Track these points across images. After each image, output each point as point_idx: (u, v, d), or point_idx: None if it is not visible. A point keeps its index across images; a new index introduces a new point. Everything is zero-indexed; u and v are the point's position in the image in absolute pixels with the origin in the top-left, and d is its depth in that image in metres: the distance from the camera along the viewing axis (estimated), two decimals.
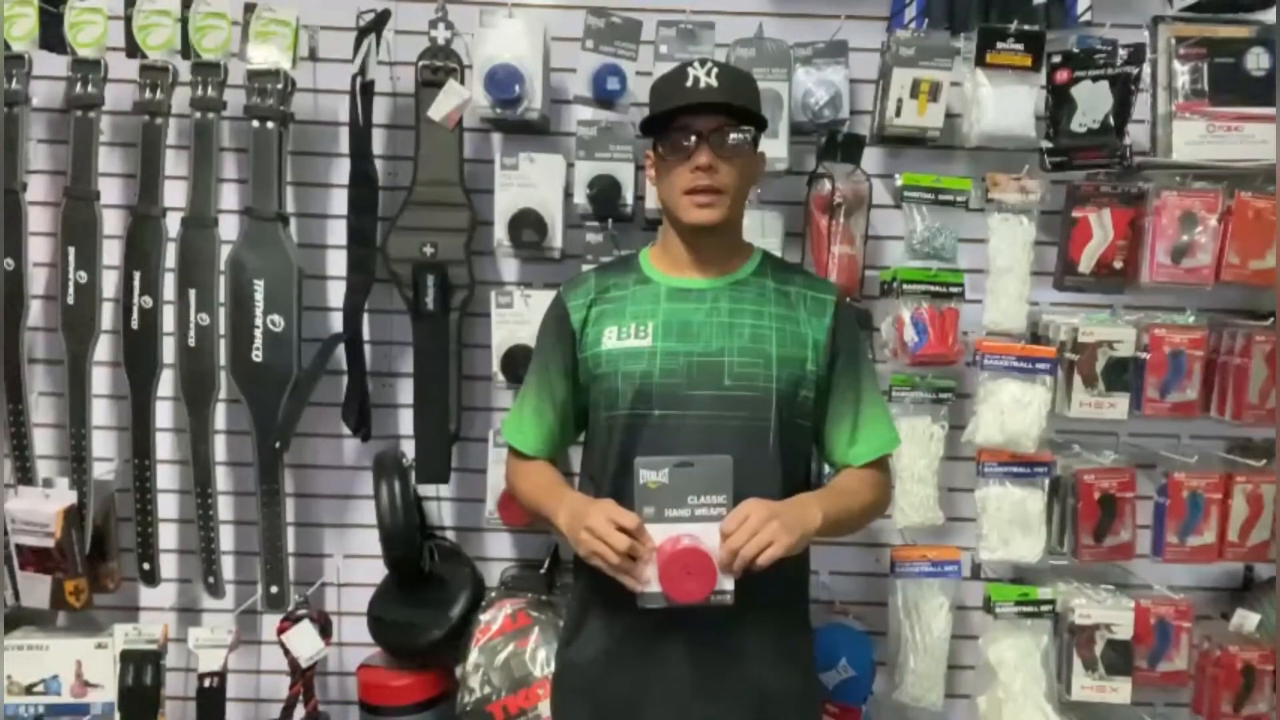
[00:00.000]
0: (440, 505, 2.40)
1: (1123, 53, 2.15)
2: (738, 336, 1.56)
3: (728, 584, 1.43)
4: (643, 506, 1.43)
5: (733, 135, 1.52)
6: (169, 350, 2.19)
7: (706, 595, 1.42)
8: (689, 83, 1.51)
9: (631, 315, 1.59)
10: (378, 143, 2.27)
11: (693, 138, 1.51)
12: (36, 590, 2.20)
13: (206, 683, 2.19)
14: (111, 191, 2.24)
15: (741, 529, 1.41)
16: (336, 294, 2.30)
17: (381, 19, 2.18)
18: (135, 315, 2.16)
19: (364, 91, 2.18)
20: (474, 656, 2.10)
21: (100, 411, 2.30)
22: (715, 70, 1.52)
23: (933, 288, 2.16)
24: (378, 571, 2.27)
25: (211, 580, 2.25)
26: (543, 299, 2.15)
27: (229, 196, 2.27)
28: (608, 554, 1.41)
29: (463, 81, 2.16)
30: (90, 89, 2.12)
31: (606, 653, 1.59)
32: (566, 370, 1.64)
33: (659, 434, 1.52)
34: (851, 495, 1.60)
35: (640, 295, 1.61)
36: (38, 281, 2.26)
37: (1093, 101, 2.16)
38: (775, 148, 2.12)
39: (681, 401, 1.53)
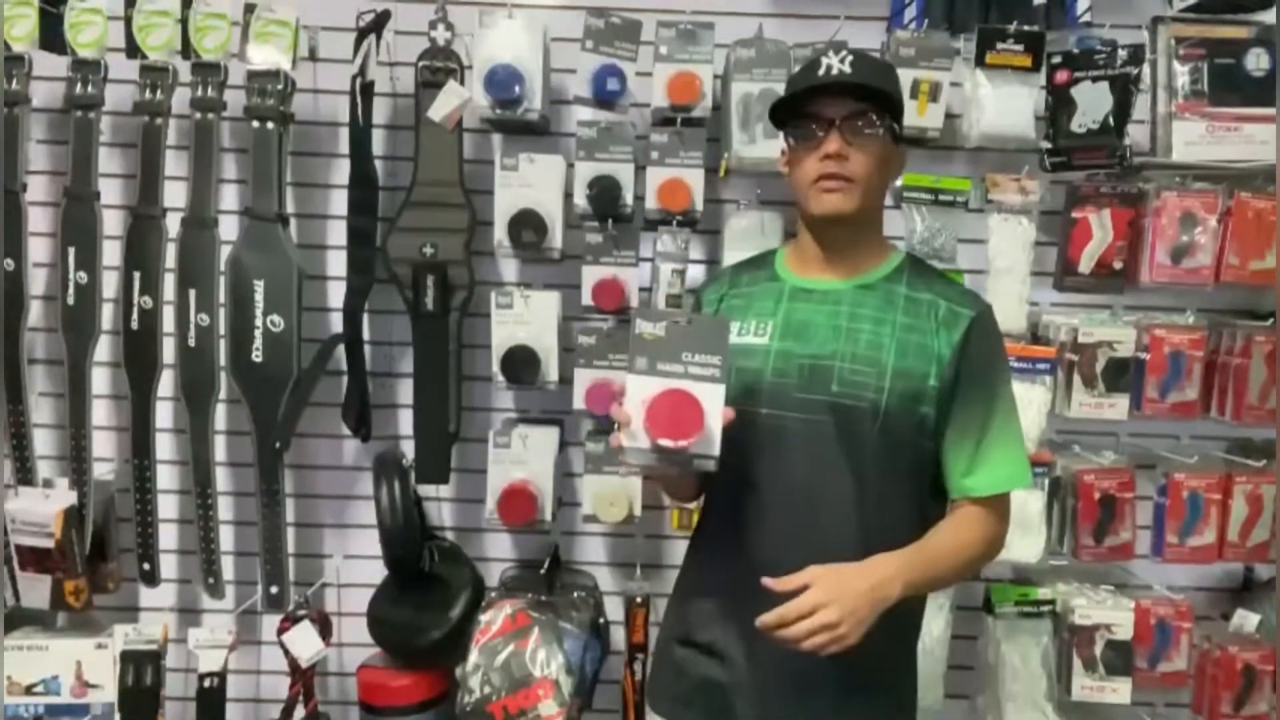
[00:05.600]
0: (440, 505, 2.41)
1: (1122, 53, 2.14)
2: (852, 341, 1.47)
3: (714, 446, 1.36)
4: (636, 358, 1.39)
5: (864, 121, 1.44)
6: (169, 351, 2.19)
7: (689, 438, 1.34)
8: (821, 70, 1.44)
9: (755, 312, 1.55)
10: (378, 143, 2.27)
11: (822, 125, 1.44)
12: (36, 590, 2.20)
13: (206, 683, 2.20)
14: (111, 192, 2.24)
15: (797, 604, 1.31)
16: (336, 294, 2.30)
17: (381, 19, 2.18)
18: (135, 315, 2.16)
19: (364, 92, 2.18)
20: (474, 657, 2.10)
21: (100, 412, 2.30)
22: (850, 58, 1.44)
23: None
24: (378, 572, 2.27)
25: (211, 581, 2.25)
26: (543, 299, 2.17)
27: (229, 197, 2.27)
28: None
29: (462, 82, 2.16)
30: (90, 89, 2.12)
31: (709, 629, 1.53)
32: None
33: (763, 432, 1.47)
34: (943, 556, 1.46)
35: (766, 293, 1.57)
36: (38, 282, 2.26)
37: (1092, 102, 2.16)
38: (775, 147, 2.11)
39: (790, 403, 1.47)
